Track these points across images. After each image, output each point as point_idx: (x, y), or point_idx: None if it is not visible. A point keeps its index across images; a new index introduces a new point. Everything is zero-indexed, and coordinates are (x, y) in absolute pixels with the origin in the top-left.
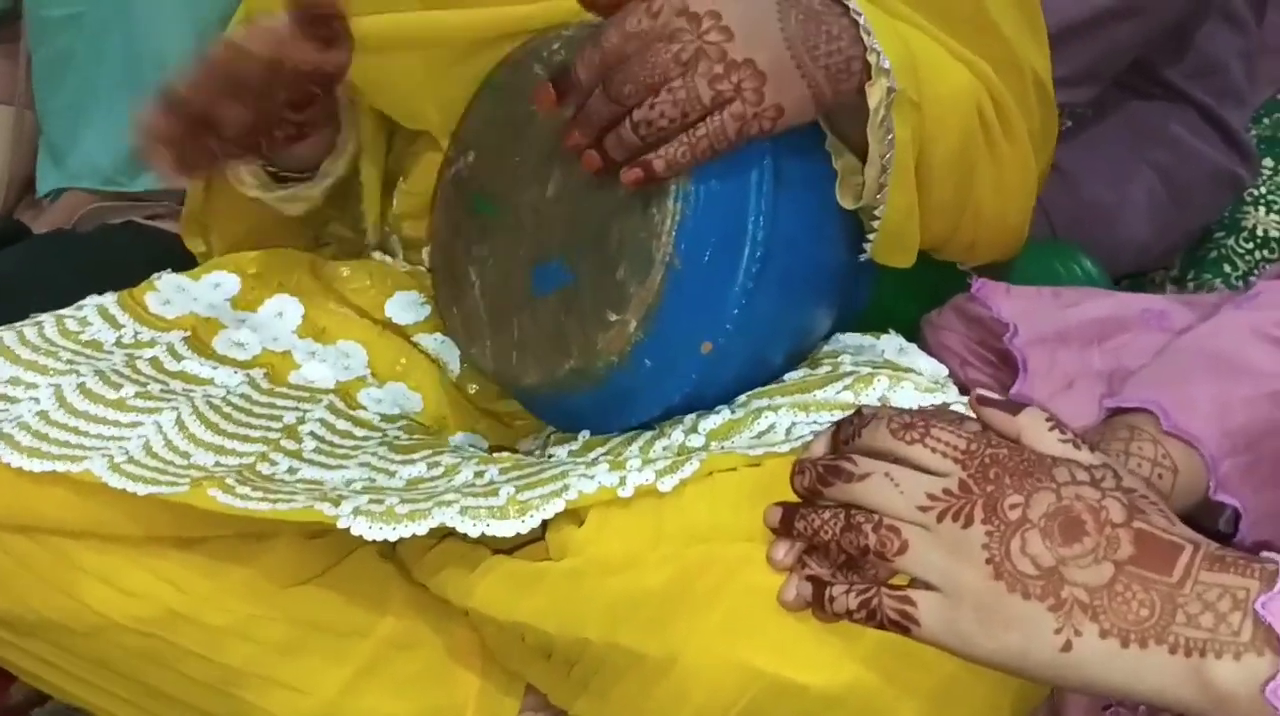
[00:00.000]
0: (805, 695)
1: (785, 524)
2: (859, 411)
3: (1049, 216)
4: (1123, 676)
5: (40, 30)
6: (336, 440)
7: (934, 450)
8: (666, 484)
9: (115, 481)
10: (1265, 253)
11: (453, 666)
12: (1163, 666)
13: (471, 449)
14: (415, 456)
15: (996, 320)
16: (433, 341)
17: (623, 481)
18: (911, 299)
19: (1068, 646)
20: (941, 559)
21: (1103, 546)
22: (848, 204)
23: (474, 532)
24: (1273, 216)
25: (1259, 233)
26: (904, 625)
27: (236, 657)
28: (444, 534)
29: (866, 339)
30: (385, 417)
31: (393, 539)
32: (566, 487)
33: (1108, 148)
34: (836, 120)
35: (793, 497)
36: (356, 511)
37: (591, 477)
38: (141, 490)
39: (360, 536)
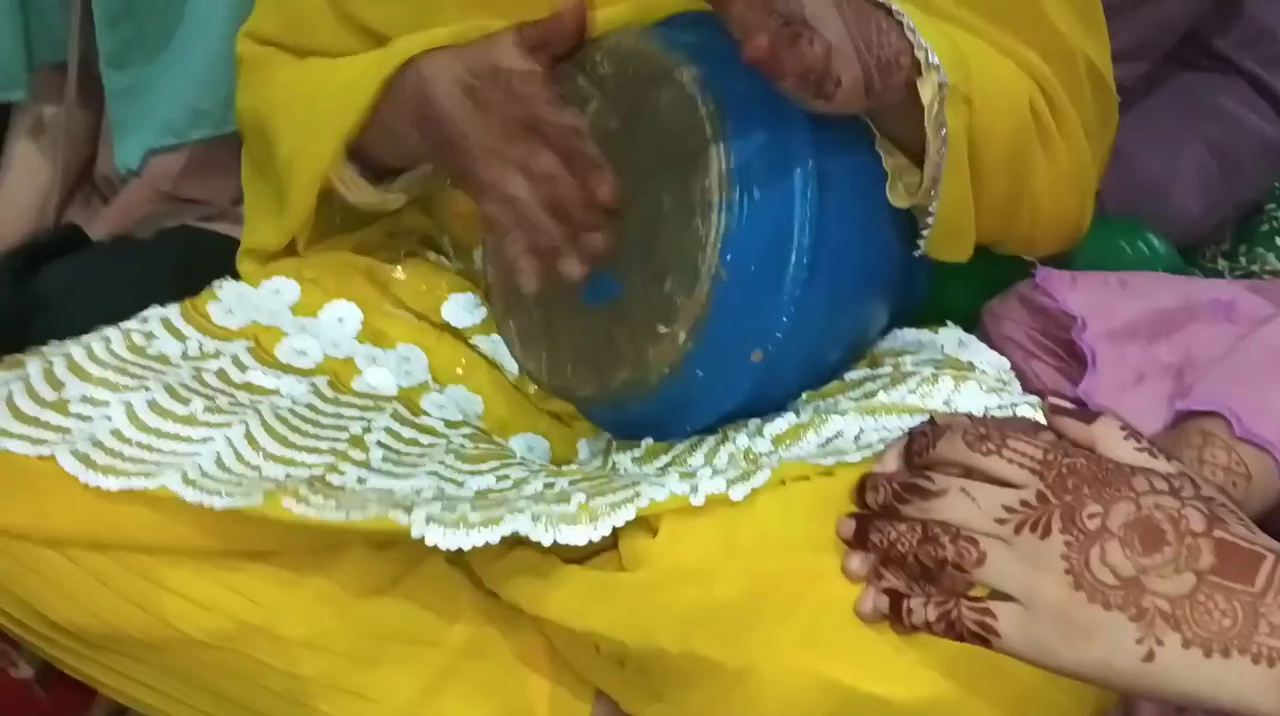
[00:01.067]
0: (886, 708)
1: (859, 536)
2: (931, 421)
3: (1099, 193)
4: (1206, 686)
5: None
6: (403, 448)
7: (1010, 461)
8: (738, 492)
9: (191, 496)
10: None
11: (523, 672)
12: (1246, 676)
13: (538, 462)
14: (483, 467)
15: (1064, 312)
16: (490, 343)
17: (694, 489)
18: (971, 289)
19: (1150, 656)
20: (1020, 570)
21: (1184, 556)
22: (900, 203)
23: (546, 540)
24: None
25: None
26: (984, 636)
27: (310, 669)
28: (515, 542)
29: (925, 334)
30: (449, 423)
31: (465, 547)
32: (638, 495)
33: (1158, 122)
34: (884, 119)
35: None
36: (429, 519)
37: (663, 486)
38: (218, 503)
39: (432, 545)
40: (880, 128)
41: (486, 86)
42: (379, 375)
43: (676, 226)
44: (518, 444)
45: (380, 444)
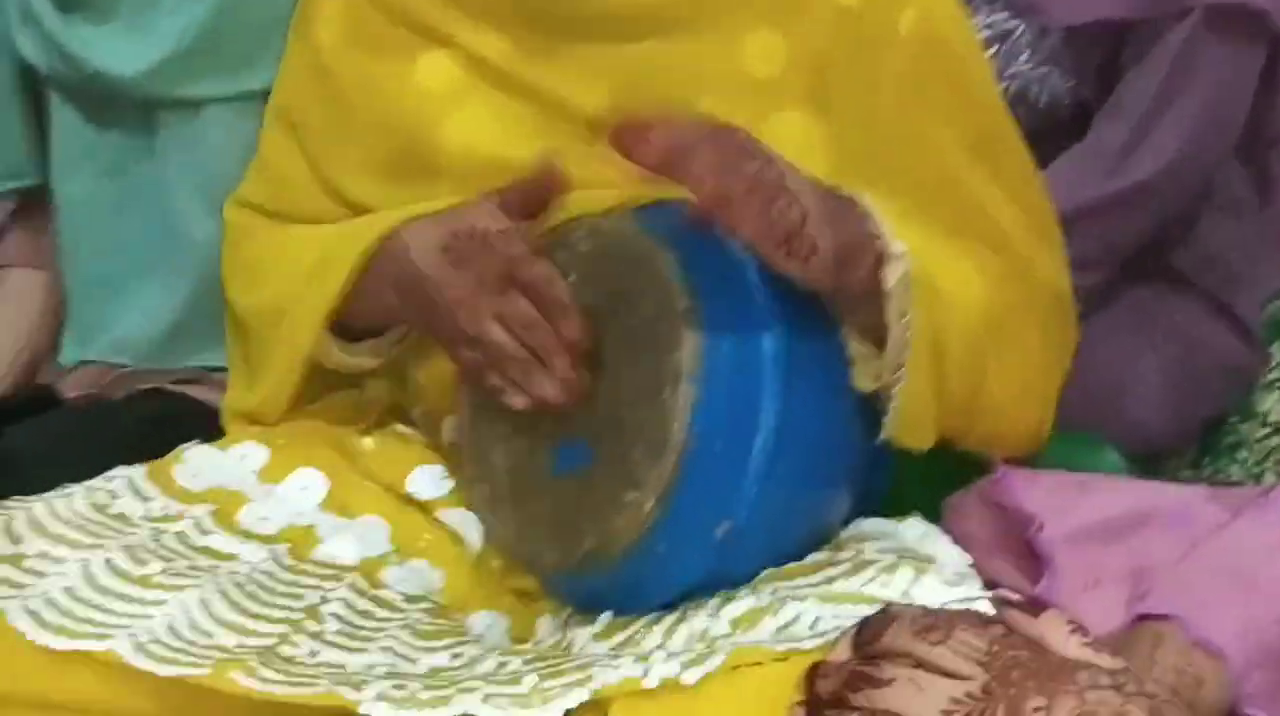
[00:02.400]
0: None
1: (806, 690)
2: (884, 610)
3: (1059, 403)
4: None
5: (66, 206)
6: (358, 621)
7: (956, 652)
8: (691, 676)
9: (140, 662)
10: None
11: None
12: None
13: (493, 640)
14: (438, 644)
15: (1021, 511)
16: (456, 516)
17: (647, 672)
18: (934, 483)
19: None
20: None
21: None
22: (865, 386)
23: None
24: None
25: (1273, 418)
26: None
27: None
28: None
29: (889, 524)
30: (408, 597)
31: None
32: (590, 677)
33: (1115, 337)
34: (849, 307)
35: None
36: (380, 696)
37: (616, 668)
38: (164, 671)
39: None
40: (847, 314)
41: (464, 244)
42: (340, 544)
43: (647, 400)
44: (478, 620)
45: (335, 616)
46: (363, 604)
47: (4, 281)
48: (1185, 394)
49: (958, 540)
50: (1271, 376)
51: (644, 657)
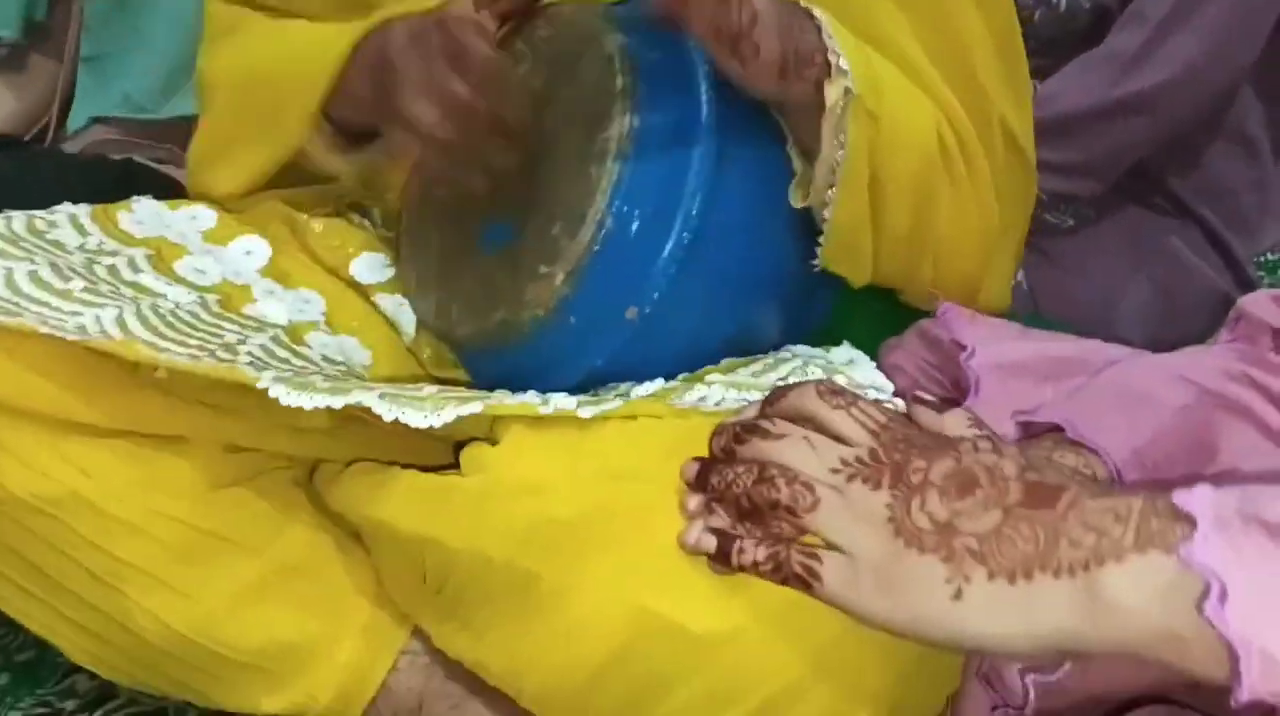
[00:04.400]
0: (684, 636)
1: (700, 478)
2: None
3: (1038, 307)
4: (1015, 619)
5: None
6: (273, 363)
7: (855, 419)
8: (587, 412)
9: (45, 331)
10: None
11: (346, 594)
12: (1049, 595)
13: None
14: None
15: (955, 342)
16: (391, 302)
17: (545, 401)
18: (875, 328)
19: (958, 594)
20: (848, 521)
21: (993, 496)
22: (797, 203)
23: (389, 416)
24: None
25: None
26: (807, 581)
27: (129, 552)
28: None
29: (817, 350)
30: (327, 359)
31: (307, 407)
32: (489, 396)
33: (1107, 251)
34: (795, 122)
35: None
36: (278, 378)
37: (517, 397)
38: (70, 336)
39: (278, 454)
40: (792, 130)
41: (429, 28)
42: (272, 306)
43: (574, 175)
44: None
45: (250, 354)
46: (281, 352)
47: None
48: (1167, 318)
49: (885, 372)
50: None
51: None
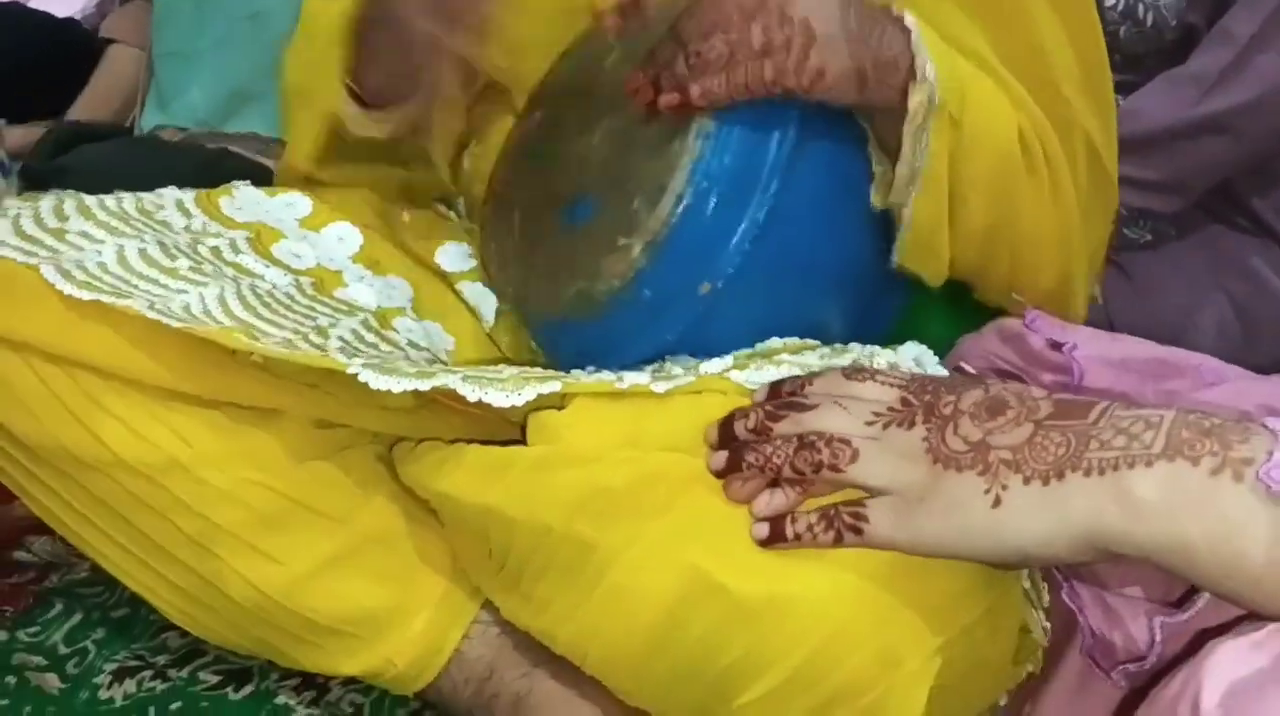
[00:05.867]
0: (726, 597)
1: (733, 461)
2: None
3: (1112, 323)
4: (1053, 519)
5: None
6: (361, 348)
7: (880, 383)
8: (661, 387)
9: (152, 315)
10: None
11: (422, 567)
12: (1086, 493)
13: None
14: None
15: (1051, 342)
16: (474, 290)
17: (620, 378)
18: (948, 328)
19: (997, 501)
20: (888, 462)
21: (1024, 413)
22: (877, 202)
23: (473, 396)
24: None
25: None
26: (857, 527)
27: (224, 517)
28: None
29: (885, 351)
30: (413, 344)
31: (395, 390)
32: (566, 375)
33: (1185, 267)
34: (880, 125)
35: None
36: (366, 365)
37: (592, 375)
38: (175, 323)
39: (364, 430)
40: (875, 131)
41: None
42: (363, 291)
43: (657, 152)
44: None
45: (340, 338)
46: (370, 337)
47: (110, 55)
48: (1245, 336)
49: (950, 368)
50: None
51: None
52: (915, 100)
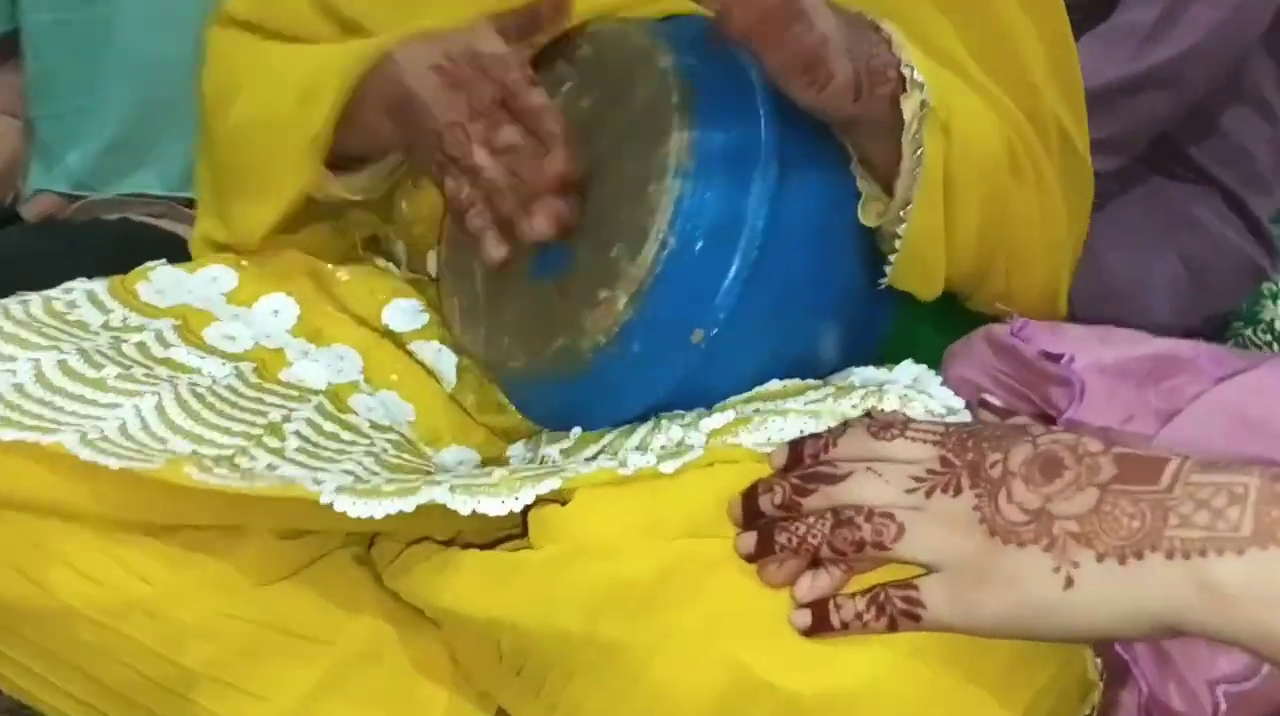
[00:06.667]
0: (775, 695)
1: (764, 542)
2: (843, 424)
3: (1070, 296)
4: (1128, 601)
5: (34, 38)
6: (322, 441)
7: (913, 440)
8: (669, 467)
9: (86, 454)
10: None
11: (421, 680)
12: (1164, 576)
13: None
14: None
15: (1043, 353)
16: (429, 350)
17: (623, 463)
18: (938, 337)
19: (1069, 582)
20: (939, 535)
21: (1083, 475)
22: (869, 222)
23: (464, 509)
24: None
25: (1276, 326)
26: (913, 613)
27: (196, 658)
28: (418, 539)
29: (881, 372)
30: (375, 426)
31: (377, 515)
32: (564, 470)
33: (1132, 225)
34: (863, 138)
35: None
36: (339, 489)
37: (591, 465)
38: (114, 463)
39: (336, 533)
40: (858, 148)
41: (458, 67)
42: (309, 368)
43: (632, 194)
44: (448, 456)
45: (298, 434)
46: (329, 426)
47: None
48: (1199, 289)
49: (952, 384)
50: (1276, 285)
51: (618, 456)
52: (909, 108)
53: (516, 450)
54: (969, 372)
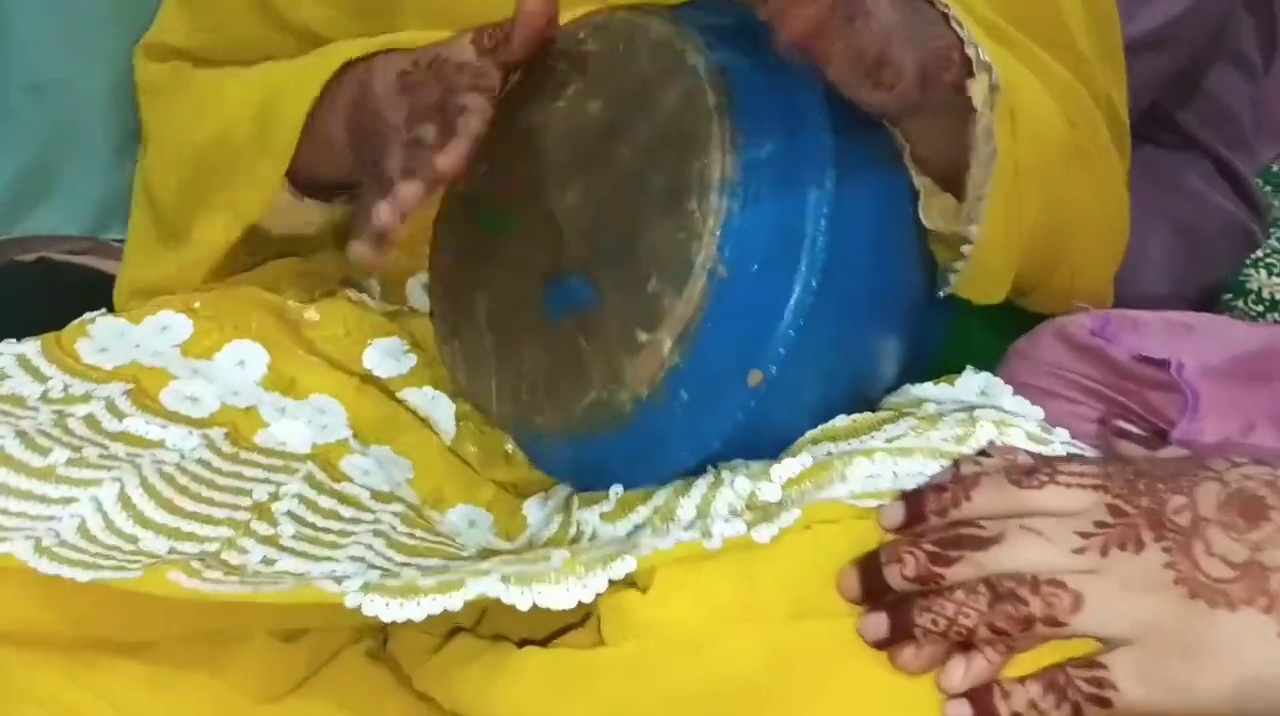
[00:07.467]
0: None
1: (900, 625)
2: (956, 466)
3: None
4: None
5: None
6: (320, 522)
7: (1067, 486)
8: (763, 534)
9: (47, 567)
10: (1275, 315)
11: None
12: None
13: (480, 542)
14: (424, 563)
15: (1142, 358)
16: (421, 397)
17: (707, 533)
18: (992, 340)
19: None
20: (1125, 602)
21: None
22: (933, 225)
23: (524, 604)
24: (1274, 278)
25: (1265, 295)
26: (1101, 697)
27: None
28: (453, 630)
29: (942, 387)
30: (376, 495)
31: (418, 618)
32: (636, 545)
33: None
34: (918, 130)
35: None
36: (367, 587)
37: (666, 534)
38: (81, 576)
39: (343, 627)
40: (916, 143)
41: (422, 74)
42: (289, 428)
43: (666, 216)
44: (455, 517)
45: (291, 516)
46: (325, 501)
47: None
48: (1194, 259)
49: (1020, 392)
50: (1259, 253)
51: (698, 526)
52: (979, 93)
53: (534, 509)
54: (1038, 378)
